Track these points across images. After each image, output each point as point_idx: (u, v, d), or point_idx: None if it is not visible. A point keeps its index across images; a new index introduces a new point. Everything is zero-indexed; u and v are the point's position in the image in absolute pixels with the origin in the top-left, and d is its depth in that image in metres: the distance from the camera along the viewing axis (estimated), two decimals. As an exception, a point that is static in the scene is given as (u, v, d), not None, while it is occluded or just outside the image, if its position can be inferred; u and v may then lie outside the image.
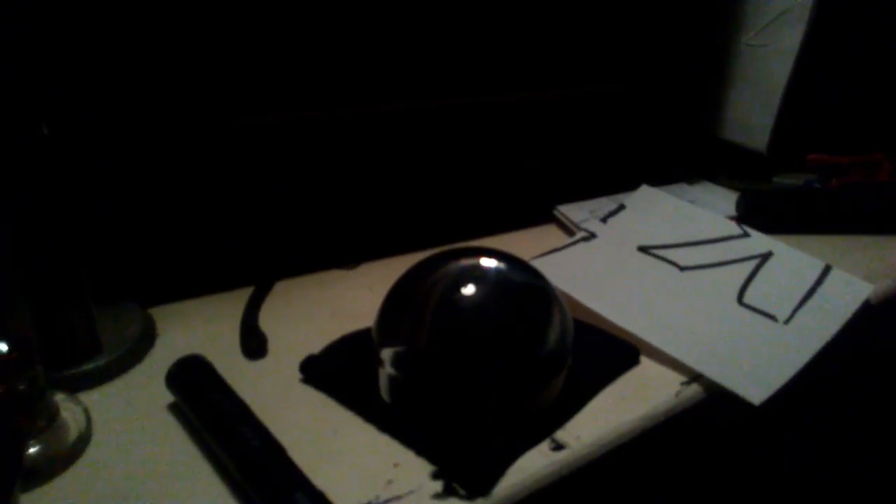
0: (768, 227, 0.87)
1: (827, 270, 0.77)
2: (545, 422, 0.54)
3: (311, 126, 0.75)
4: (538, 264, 0.75)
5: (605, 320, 0.67)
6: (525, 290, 0.56)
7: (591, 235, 0.83)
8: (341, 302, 0.72)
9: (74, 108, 0.61)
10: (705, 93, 1.09)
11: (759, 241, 0.82)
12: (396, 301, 0.56)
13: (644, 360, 0.64)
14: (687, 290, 0.74)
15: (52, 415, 0.50)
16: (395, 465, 0.49)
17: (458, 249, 0.57)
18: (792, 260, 0.79)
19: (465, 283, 0.53)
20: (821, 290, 0.75)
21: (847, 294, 0.74)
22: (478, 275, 0.54)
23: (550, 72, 0.93)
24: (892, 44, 1.05)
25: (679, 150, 1.10)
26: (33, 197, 0.52)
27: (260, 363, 0.61)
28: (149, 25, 0.62)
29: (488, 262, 0.55)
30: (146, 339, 0.63)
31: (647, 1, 0.98)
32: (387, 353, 0.54)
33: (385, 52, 0.77)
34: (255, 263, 0.75)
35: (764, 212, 0.92)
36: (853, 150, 1.03)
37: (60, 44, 0.59)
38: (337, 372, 0.59)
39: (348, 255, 0.80)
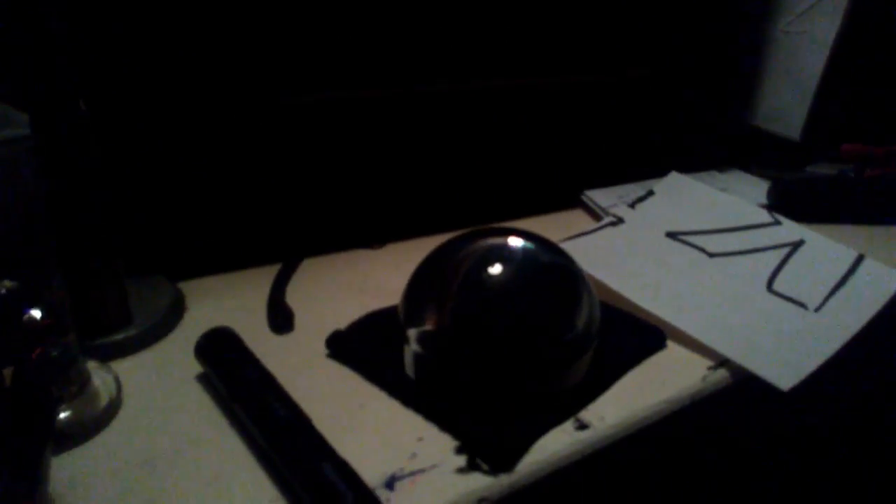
0: (800, 216, 0.85)
1: (860, 260, 0.76)
2: (570, 402, 0.54)
3: (342, 108, 0.75)
4: (565, 247, 0.75)
5: (631, 304, 0.67)
6: (552, 270, 0.56)
7: (619, 220, 0.83)
8: (367, 280, 0.72)
9: (110, 84, 0.62)
10: (739, 80, 1.08)
11: (790, 230, 0.81)
12: (423, 280, 0.56)
13: (671, 344, 0.63)
14: (715, 277, 0.73)
15: (84, 381, 0.51)
16: (420, 440, 0.50)
17: (486, 229, 0.57)
18: (824, 249, 0.78)
19: (491, 263, 0.53)
20: (853, 279, 0.74)
21: (880, 284, 0.72)
22: (504, 254, 0.54)
23: (584, 56, 0.92)
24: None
25: (711, 137, 1.09)
26: (70, 171, 0.53)
27: (286, 338, 0.62)
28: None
29: (515, 242, 0.55)
30: (176, 312, 0.63)
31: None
32: (413, 332, 0.54)
33: (420, 33, 0.77)
34: (284, 241, 0.75)
35: (796, 200, 0.91)
36: (890, 140, 1.01)
37: (91, 21, 0.60)
38: (363, 348, 0.59)
39: (375, 236, 0.80)
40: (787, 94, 1.01)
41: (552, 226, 0.87)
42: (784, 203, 0.90)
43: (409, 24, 0.76)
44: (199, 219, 0.71)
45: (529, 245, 0.56)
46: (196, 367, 0.55)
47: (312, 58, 0.72)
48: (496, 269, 0.53)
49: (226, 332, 0.56)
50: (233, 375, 0.52)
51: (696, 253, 0.77)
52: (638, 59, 0.98)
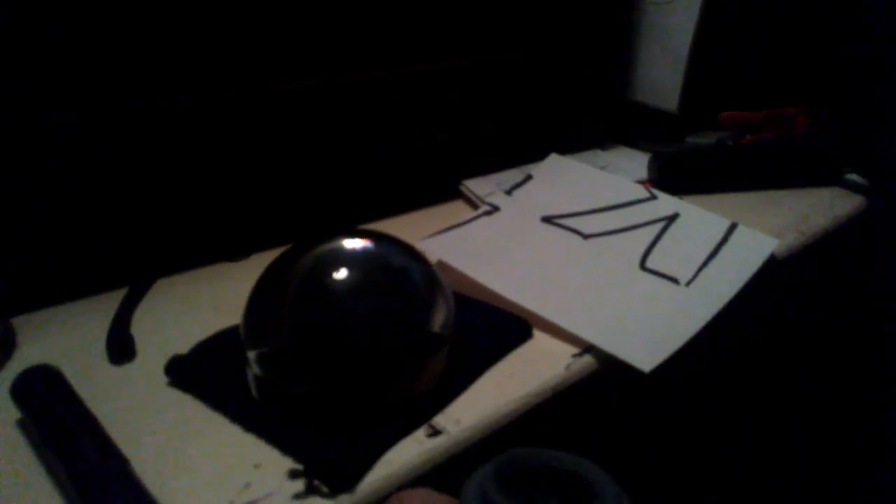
0: (681, 188, 0.85)
1: (732, 228, 0.75)
2: (423, 407, 0.51)
3: (195, 107, 0.71)
4: (433, 242, 0.72)
5: (499, 296, 0.64)
6: (395, 271, 0.53)
7: (495, 209, 0.80)
8: (226, 297, 0.68)
9: None
10: (615, 56, 1.07)
11: (666, 203, 0.80)
12: (258, 297, 0.53)
13: (538, 334, 0.62)
14: (589, 259, 0.72)
15: None
16: (256, 467, 0.46)
17: (322, 235, 0.53)
18: (698, 220, 0.77)
19: (326, 271, 0.50)
20: (726, 248, 0.73)
21: (752, 251, 0.72)
22: (341, 260, 0.51)
23: (457, 41, 0.90)
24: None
25: (593, 115, 1.08)
26: None
27: (127, 368, 0.58)
28: None
29: (353, 245, 0.52)
30: (3, 351, 0.58)
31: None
32: (252, 352, 0.50)
33: (280, 24, 0.73)
34: (133, 261, 0.70)
35: (675, 172, 0.91)
36: (770, 105, 1.02)
37: None
38: (204, 372, 0.55)
39: (237, 247, 0.76)
40: (662, 67, 1.01)
41: (430, 219, 0.85)
42: (664, 176, 0.90)
43: (262, 18, 0.72)
44: (31, 244, 0.65)
45: (370, 246, 0.53)
46: (17, 411, 0.51)
47: (166, 58, 0.67)
48: (333, 276, 0.50)
49: (46, 369, 0.51)
50: (47, 419, 0.47)
51: (571, 236, 0.75)
52: (512, 41, 0.95)
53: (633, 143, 1.05)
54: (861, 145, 0.97)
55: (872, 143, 0.98)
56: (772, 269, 0.71)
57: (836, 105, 1.03)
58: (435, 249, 0.69)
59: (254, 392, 0.52)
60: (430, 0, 0.85)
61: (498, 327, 0.61)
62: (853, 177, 0.92)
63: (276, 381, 0.50)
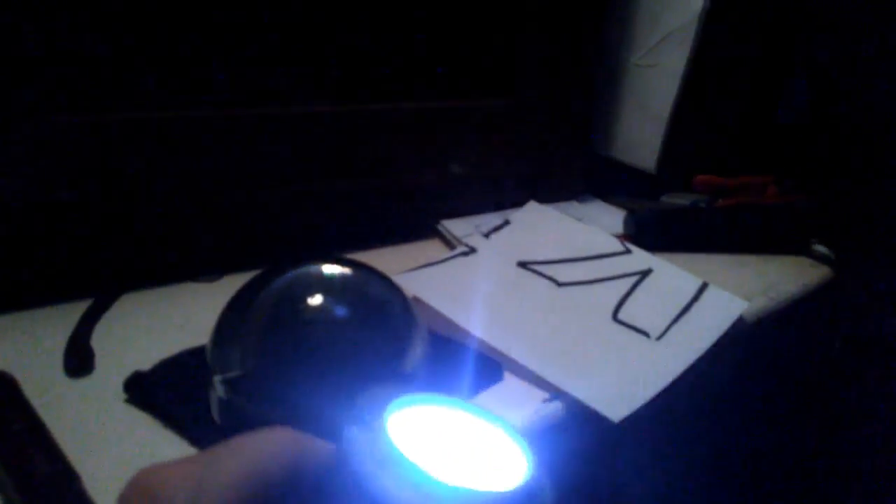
0: (654, 245, 0.86)
1: (704, 287, 0.76)
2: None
3: (171, 121, 0.70)
4: (409, 278, 0.72)
5: (471, 336, 0.64)
6: (371, 302, 0.52)
7: (472, 250, 0.81)
8: (193, 316, 0.66)
9: None
10: (597, 112, 1.09)
11: (640, 258, 0.81)
12: (228, 318, 0.51)
13: (509, 376, 0.61)
14: (562, 306, 0.72)
15: None
16: (213, 492, 0.44)
17: (298, 259, 0.53)
18: (671, 277, 0.78)
19: (301, 296, 0.49)
20: (696, 306, 0.74)
21: (722, 311, 0.73)
22: (316, 286, 0.50)
23: (439, 83, 0.91)
24: (778, 67, 1.08)
25: (570, 168, 1.09)
26: None
27: (84, 382, 0.56)
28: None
29: (330, 271, 0.51)
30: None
31: (538, 20, 0.97)
32: (218, 374, 0.49)
33: (265, 51, 0.73)
34: (99, 273, 0.68)
35: (649, 229, 0.92)
36: (745, 172, 1.05)
37: None
38: (166, 390, 0.53)
39: (209, 267, 0.75)
40: (642, 127, 1.03)
41: (406, 255, 0.85)
42: (638, 232, 0.91)
43: (259, 39, 0.72)
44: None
45: (348, 274, 0.52)
46: (-36, 420, 0.48)
47: (138, 74, 0.67)
48: (308, 301, 0.49)
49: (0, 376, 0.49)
50: (-3, 427, 0.45)
51: (545, 283, 0.76)
52: (497, 88, 0.97)
53: (609, 198, 1.07)
54: (828, 218, 1.00)
55: (840, 216, 1.01)
56: (740, 330, 0.72)
57: (805, 177, 1.06)
58: (410, 285, 0.69)
59: (215, 415, 0.50)
60: (421, 41, 0.86)
61: (469, 368, 0.61)
62: (820, 248, 0.95)
63: (241, 405, 0.49)
